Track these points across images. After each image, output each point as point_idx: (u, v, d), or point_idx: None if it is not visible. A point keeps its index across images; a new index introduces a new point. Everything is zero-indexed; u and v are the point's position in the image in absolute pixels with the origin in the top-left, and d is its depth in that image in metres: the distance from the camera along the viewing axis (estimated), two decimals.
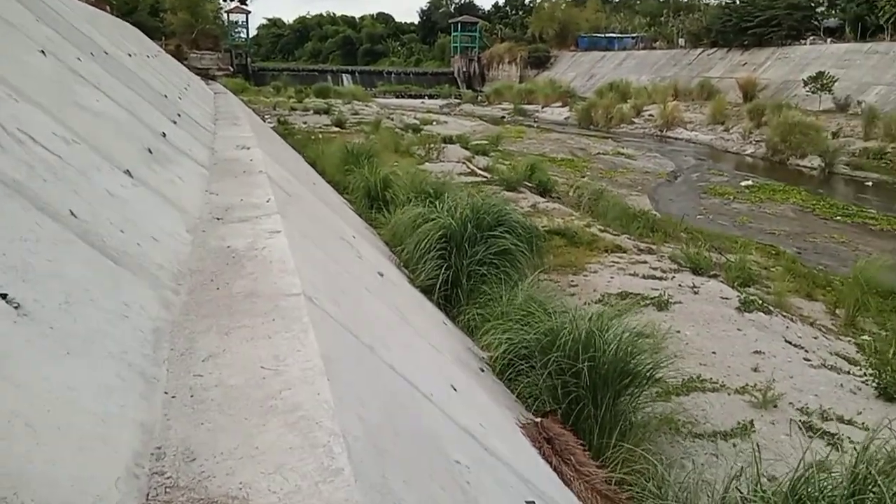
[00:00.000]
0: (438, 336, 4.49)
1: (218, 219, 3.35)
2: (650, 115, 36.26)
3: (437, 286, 6.01)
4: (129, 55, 8.41)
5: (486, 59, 64.89)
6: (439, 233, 6.22)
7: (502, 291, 5.57)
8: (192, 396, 1.58)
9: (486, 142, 25.16)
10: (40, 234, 1.87)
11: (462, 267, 6.17)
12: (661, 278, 8.13)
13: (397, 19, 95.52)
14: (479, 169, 16.37)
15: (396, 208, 8.83)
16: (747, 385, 5.46)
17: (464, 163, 16.81)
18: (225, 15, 56.45)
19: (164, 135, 4.67)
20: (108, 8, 21.10)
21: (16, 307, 1.44)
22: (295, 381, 1.66)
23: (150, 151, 3.89)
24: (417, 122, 31.68)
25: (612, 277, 8.11)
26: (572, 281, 7.94)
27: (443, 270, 6.05)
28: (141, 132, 4.26)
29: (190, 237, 2.96)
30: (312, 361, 1.75)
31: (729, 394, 5.34)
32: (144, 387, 1.54)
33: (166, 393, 1.58)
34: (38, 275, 1.65)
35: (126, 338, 1.70)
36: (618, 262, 8.79)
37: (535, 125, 37.25)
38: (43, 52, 4.13)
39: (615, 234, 10.34)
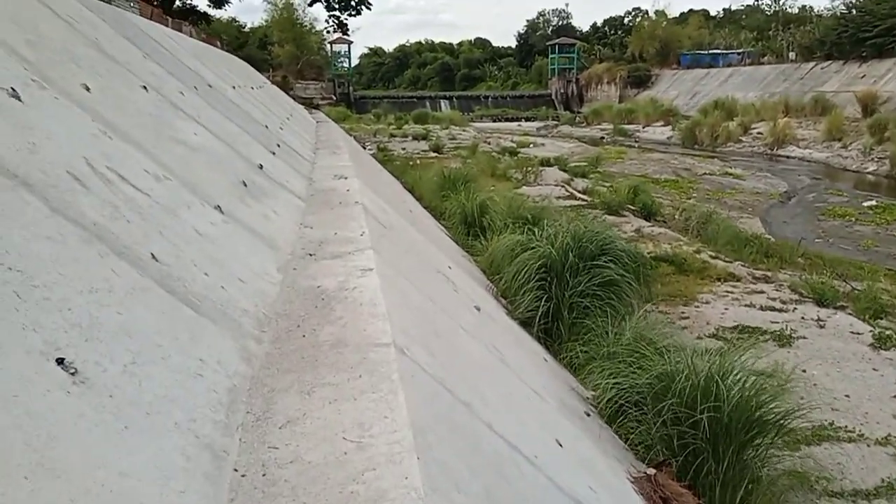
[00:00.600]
0: (539, 377, 4.20)
1: (310, 255, 3.22)
2: (759, 132, 34.58)
3: (537, 319, 5.71)
4: (233, 87, 8.63)
5: (585, 79, 64.10)
6: (539, 262, 5.93)
7: (608, 327, 5.21)
8: (264, 475, 1.38)
9: (584, 163, 24.61)
10: (114, 283, 1.74)
11: (563, 299, 5.85)
12: (781, 310, 7.50)
13: (494, 44, 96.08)
14: (579, 192, 15.93)
15: (494, 235, 8.63)
16: (890, 435, 4.85)
17: (562, 186, 16.41)
18: (328, 46, 58.35)
19: (260, 167, 4.63)
20: (218, 43, 22.11)
21: (73, 373, 1.29)
22: (380, 458, 1.43)
23: (245, 184, 3.83)
24: (514, 145, 31.46)
25: (726, 309, 7.55)
26: (683, 312, 7.44)
27: (543, 302, 5.74)
28: (237, 165, 4.23)
29: (280, 276, 2.82)
30: (401, 433, 1.52)
31: (869, 445, 4.75)
32: (211, 464, 1.36)
33: (236, 470, 1.39)
34: (106, 332, 1.50)
35: (197, 402, 1.52)
36: (732, 292, 8.20)
37: (636, 145, 36.24)
38: (145, 87, 4.18)
39: (727, 261, 9.71)
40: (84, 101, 2.96)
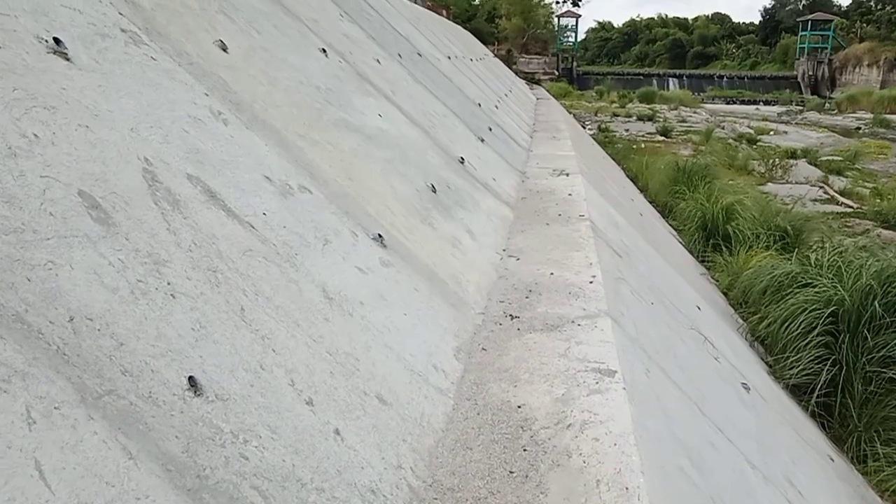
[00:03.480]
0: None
1: (512, 318, 2.05)
2: None
3: (815, 388, 4.12)
4: (449, 58, 7.66)
5: (840, 61, 56.59)
6: (829, 309, 4.29)
7: None
8: None
9: (839, 158, 21.10)
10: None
11: (856, 364, 4.20)
12: None
13: (734, 19, 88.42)
14: (840, 194, 13.27)
15: (741, 248, 6.98)
16: None
17: (820, 186, 13.77)
18: (556, 19, 56.73)
19: (461, 160, 3.54)
20: (444, 12, 21.59)
21: None
22: None
23: (434, 189, 2.74)
24: (751, 131, 28.07)
25: None
26: None
27: (826, 366, 4.13)
28: (429, 159, 3.16)
29: (459, 368, 1.68)
30: None
31: None
32: None
33: None
34: None
35: None
36: None
37: None
38: (324, 50, 3.23)
39: None
40: (204, 66, 2.00)
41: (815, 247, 6.26)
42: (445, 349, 1.72)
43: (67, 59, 1.48)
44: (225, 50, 2.23)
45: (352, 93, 3.09)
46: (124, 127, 1.45)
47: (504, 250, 2.77)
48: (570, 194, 4.00)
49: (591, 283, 2.39)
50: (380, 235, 1.95)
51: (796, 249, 6.27)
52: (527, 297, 2.23)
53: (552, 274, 2.48)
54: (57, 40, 1.49)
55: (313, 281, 1.52)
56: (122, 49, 1.71)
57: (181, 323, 1.11)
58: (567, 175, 4.67)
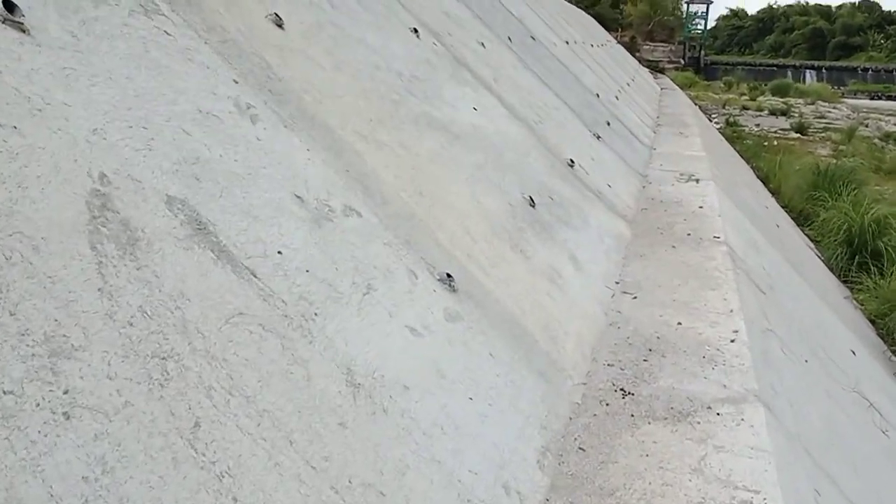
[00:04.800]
0: None
1: (623, 393, 1.51)
2: None
3: None
4: (566, 42, 7.03)
5: None
6: None
7: None
8: None
9: None
10: None
11: None
12: None
13: (885, 7, 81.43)
14: None
15: (894, 268, 6.09)
16: None
17: None
18: (685, 6, 54.03)
19: (570, 163, 2.98)
20: None
21: None
22: None
23: (533, 203, 2.22)
24: None
25: None
26: None
27: None
28: (531, 162, 2.63)
29: (545, 484, 1.17)
30: None
31: None
32: None
33: None
34: None
35: None
36: None
37: None
38: (416, 30, 2.76)
39: None
40: (243, 45, 1.57)
41: None
42: (526, 453, 1.21)
43: (22, 31, 1.08)
44: (280, 26, 1.80)
45: (444, 81, 2.60)
46: (83, 127, 1.02)
47: (617, 283, 2.22)
48: (700, 206, 3.36)
49: (732, 341, 1.81)
50: (449, 276, 1.45)
51: None
52: (645, 360, 1.68)
53: (680, 324, 1.91)
54: (9, 4, 1.08)
55: (334, 358, 1.05)
56: (120, 20, 1.29)
57: (67, 467, 0.66)
58: (697, 181, 4.00)
